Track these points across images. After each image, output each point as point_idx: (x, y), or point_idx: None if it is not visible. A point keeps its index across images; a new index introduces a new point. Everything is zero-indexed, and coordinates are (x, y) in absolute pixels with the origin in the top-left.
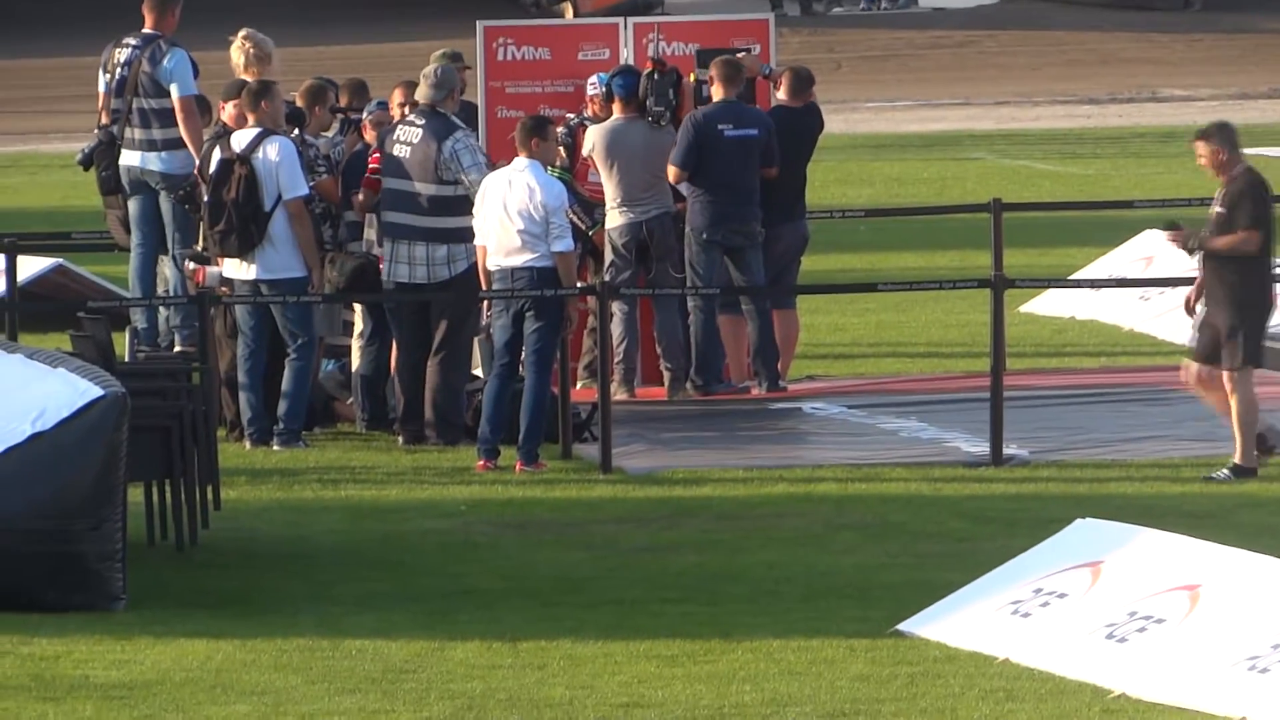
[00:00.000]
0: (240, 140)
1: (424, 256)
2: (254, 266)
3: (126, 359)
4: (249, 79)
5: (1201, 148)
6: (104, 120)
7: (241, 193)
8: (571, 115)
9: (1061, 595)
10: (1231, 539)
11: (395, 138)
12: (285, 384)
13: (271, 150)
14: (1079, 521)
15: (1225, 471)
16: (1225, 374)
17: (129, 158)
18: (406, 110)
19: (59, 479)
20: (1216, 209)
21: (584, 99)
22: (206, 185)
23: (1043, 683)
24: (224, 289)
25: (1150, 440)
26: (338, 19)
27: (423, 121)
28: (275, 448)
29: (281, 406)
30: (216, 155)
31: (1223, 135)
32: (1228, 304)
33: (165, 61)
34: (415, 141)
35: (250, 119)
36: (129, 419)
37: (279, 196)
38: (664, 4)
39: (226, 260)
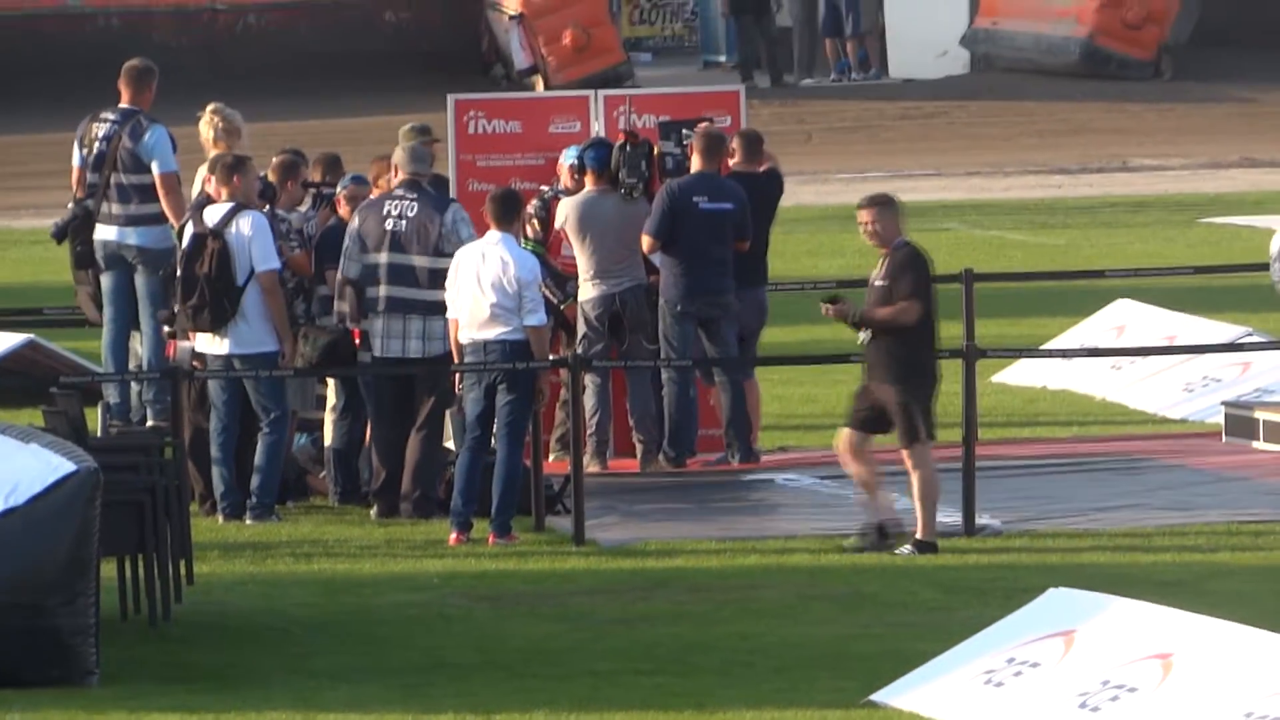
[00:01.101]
0: (213, 215)
1: (420, 330)
2: (226, 341)
3: (99, 434)
4: (223, 153)
5: (864, 215)
6: (78, 194)
7: (214, 267)
8: (545, 188)
9: (1034, 664)
10: (1204, 608)
11: (386, 212)
12: (258, 458)
13: (244, 224)
14: (1052, 591)
15: (909, 548)
16: (904, 453)
17: (105, 232)
18: (388, 183)
19: (31, 554)
20: (878, 281)
21: (556, 171)
22: (179, 259)
23: None
24: (195, 363)
25: (1123, 509)
26: (308, 92)
27: (414, 195)
28: (248, 521)
29: (255, 480)
30: (189, 230)
31: (885, 207)
32: (894, 378)
33: (146, 137)
34: (411, 215)
35: (223, 193)
36: (101, 494)
37: (251, 271)
38: (635, 76)
39: (198, 335)
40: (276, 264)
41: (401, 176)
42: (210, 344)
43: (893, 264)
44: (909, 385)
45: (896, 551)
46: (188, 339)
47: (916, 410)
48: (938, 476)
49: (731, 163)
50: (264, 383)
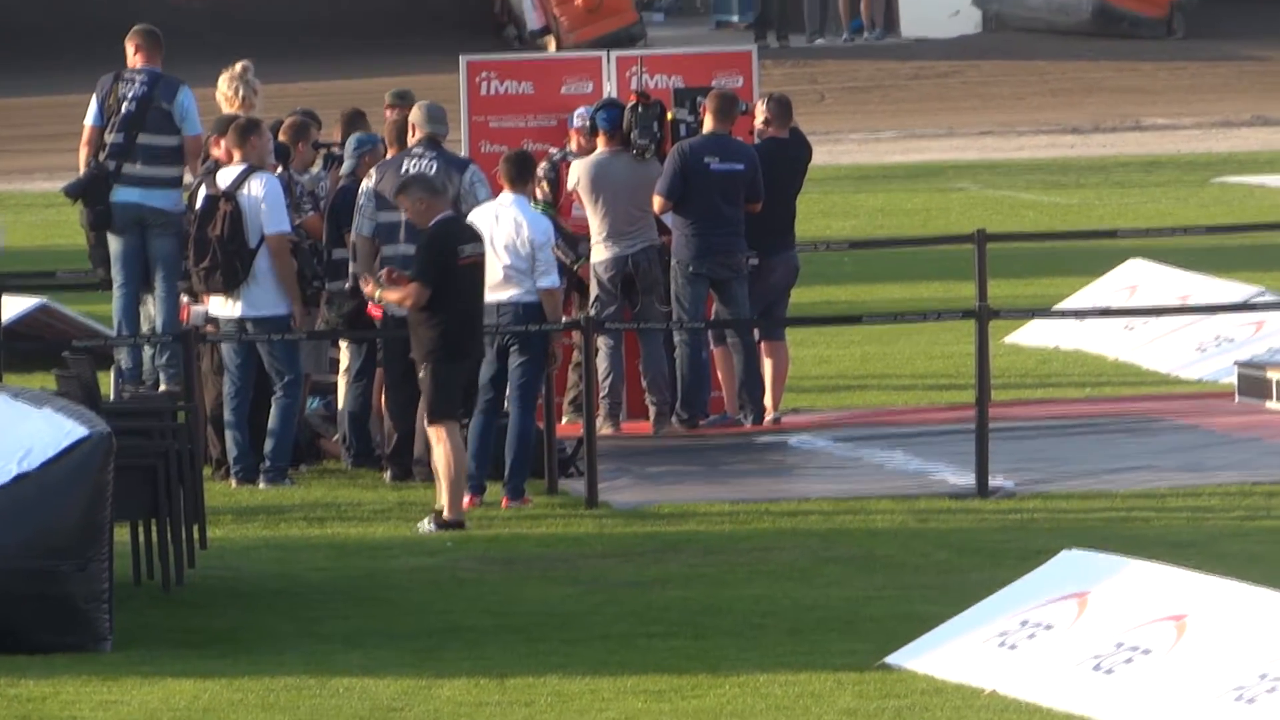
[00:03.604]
0: (226, 177)
1: None
2: (239, 304)
3: (111, 398)
4: (236, 114)
5: (404, 201)
6: (91, 154)
7: (226, 229)
8: (555, 150)
9: (1048, 627)
10: (1217, 569)
11: (404, 169)
12: (271, 422)
13: (256, 187)
14: (1065, 553)
15: (428, 524)
16: (428, 427)
17: (126, 194)
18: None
19: (45, 519)
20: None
21: (568, 133)
22: (192, 221)
23: (1030, 715)
24: (209, 326)
25: (1136, 470)
26: (319, 53)
27: (434, 153)
28: (261, 486)
29: (268, 444)
30: (202, 192)
31: (421, 185)
32: (420, 355)
33: (180, 98)
34: (431, 172)
35: (236, 155)
36: (114, 458)
37: (263, 234)
38: (647, 37)
39: (212, 298)
40: (287, 227)
41: (420, 134)
42: (223, 307)
43: (420, 243)
44: (432, 362)
45: (417, 526)
46: (201, 302)
47: (437, 387)
48: (460, 455)
49: (761, 127)
50: (277, 346)
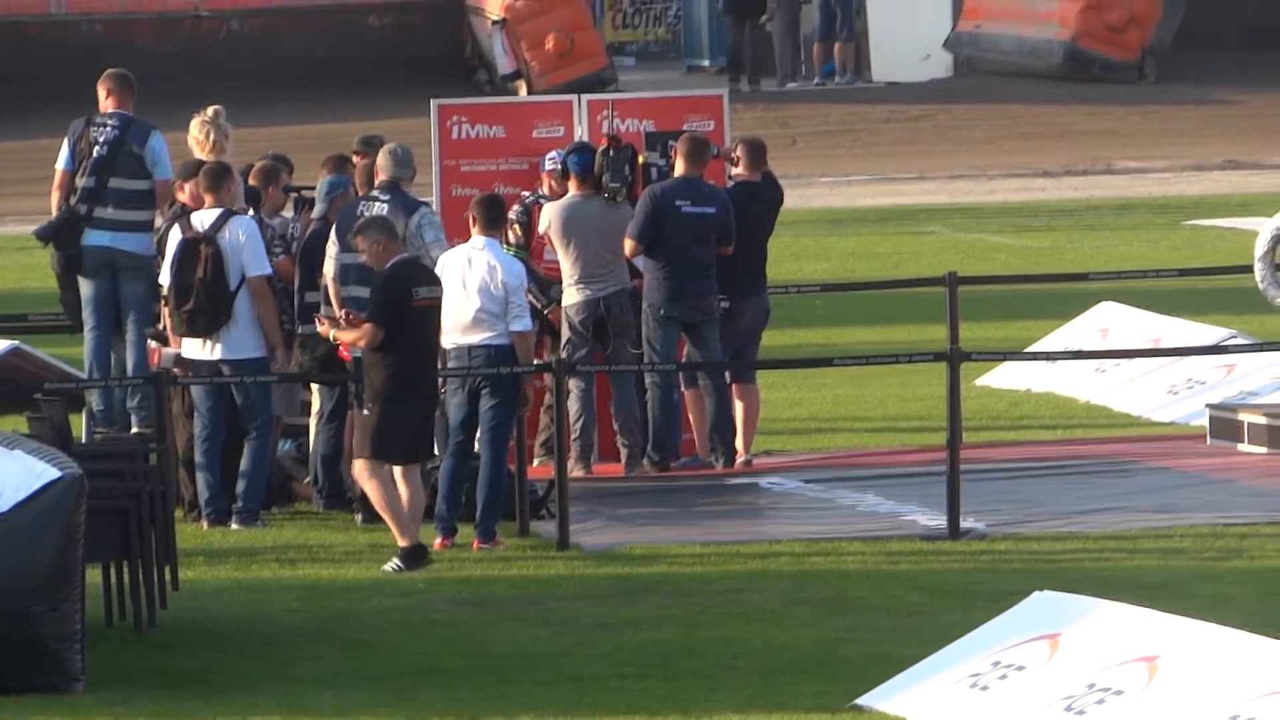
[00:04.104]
0: (203, 220)
1: None
2: (218, 346)
3: (83, 440)
4: (207, 159)
5: (361, 243)
6: (63, 198)
7: (209, 272)
8: (527, 193)
9: (1020, 668)
10: (1189, 610)
11: (359, 213)
12: (244, 464)
13: (237, 230)
14: (1037, 594)
15: (394, 564)
16: (356, 461)
17: (97, 238)
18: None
19: (16, 560)
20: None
21: (539, 176)
22: (168, 266)
23: None
24: (178, 369)
25: (1107, 512)
26: (291, 98)
27: (387, 197)
28: (234, 527)
29: (240, 486)
30: (176, 235)
31: (378, 227)
32: (367, 396)
33: (151, 142)
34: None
35: (208, 200)
36: (86, 500)
37: (243, 276)
38: (618, 81)
39: (186, 341)
40: (268, 269)
41: (381, 179)
42: (199, 350)
43: (373, 284)
44: (381, 402)
45: (385, 568)
46: (171, 345)
47: (381, 426)
48: (389, 491)
49: (734, 171)
50: (252, 388)
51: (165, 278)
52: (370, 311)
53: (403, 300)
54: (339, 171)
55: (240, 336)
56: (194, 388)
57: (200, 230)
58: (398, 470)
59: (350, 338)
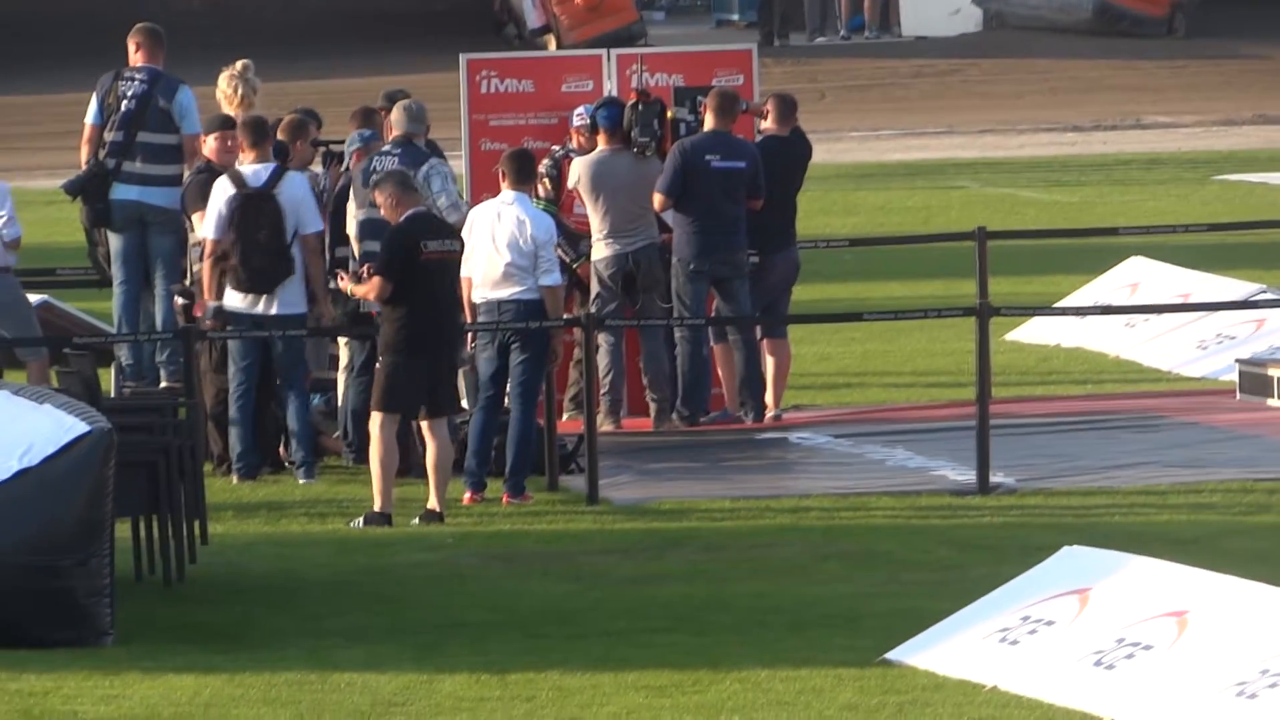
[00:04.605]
0: (257, 176)
1: None
2: (273, 302)
3: (112, 394)
4: (234, 113)
5: (377, 197)
6: (91, 152)
7: (270, 228)
8: (556, 147)
9: (1049, 623)
10: (1218, 565)
11: (371, 168)
12: (292, 422)
13: (294, 186)
14: (1066, 549)
15: (359, 521)
16: (374, 415)
17: (125, 191)
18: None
19: (46, 515)
20: None
21: (568, 131)
22: (217, 220)
23: (1031, 710)
24: (211, 322)
25: (1137, 467)
26: (319, 52)
27: (398, 151)
28: (300, 482)
29: (294, 444)
30: (225, 190)
31: (393, 180)
32: (380, 348)
33: (179, 96)
34: (391, 169)
35: (251, 155)
36: (115, 454)
37: (295, 232)
38: (647, 35)
39: (233, 294)
40: (321, 225)
41: (395, 134)
42: (249, 304)
43: (383, 238)
44: (390, 355)
45: (350, 524)
46: (202, 301)
47: (387, 379)
48: (388, 451)
49: (764, 125)
50: (295, 344)
51: (209, 231)
52: (377, 265)
53: (410, 254)
54: (367, 124)
55: (293, 292)
56: (233, 342)
57: (253, 185)
58: (424, 425)
59: (362, 291)
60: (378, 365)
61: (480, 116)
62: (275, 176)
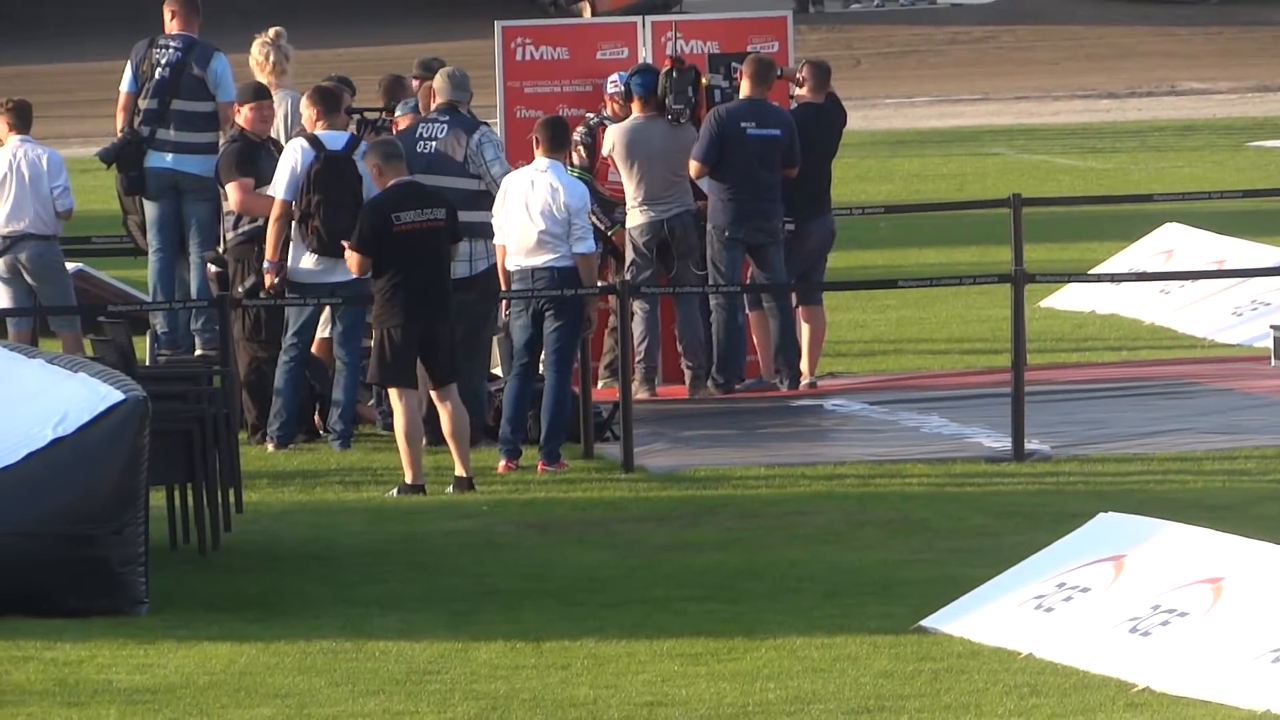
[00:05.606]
0: (335, 140)
1: (465, 252)
2: (340, 268)
3: (147, 363)
4: (267, 80)
5: (367, 164)
6: (126, 120)
7: (354, 191)
8: (591, 115)
9: (1084, 589)
10: (1253, 531)
11: (419, 134)
12: (338, 392)
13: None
14: (1101, 516)
15: (393, 492)
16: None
17: (160, 159)
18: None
19: (81, 484)
20: None
21: (603, 98)
22: (291, 181)
23: (1066, 677)
24: (271, 279)
25: (1172, 434)
26: (354, 20)
27: (447, 118)
28: (336, 449)
29: (334, 413)
30: (302, 152)
31: (378, 150)
32: (372, 320)
33: (214, 64)
34: (441, 136)
35: (323, 123)
36: (150, 423)
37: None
38: (682, 2)
39: (306, 259)
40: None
41: (439, 101)
42: (320, 269)
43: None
44: (378, 327)
45: (388, 495)
46: (227, 268)
47: (380, 351)
48: (411, 421)
49: (799, 92)
50: (357, 315)
51: (281, 192)
52: (351, 240)
53: (383, 226)
54: (395, 93)
55: None
56: (288, 310)
57: (332, 149)
58: (433, 393)
59: (350, 264)
60: (371, 340)
61: (515, 84)
62: (352, 144)
